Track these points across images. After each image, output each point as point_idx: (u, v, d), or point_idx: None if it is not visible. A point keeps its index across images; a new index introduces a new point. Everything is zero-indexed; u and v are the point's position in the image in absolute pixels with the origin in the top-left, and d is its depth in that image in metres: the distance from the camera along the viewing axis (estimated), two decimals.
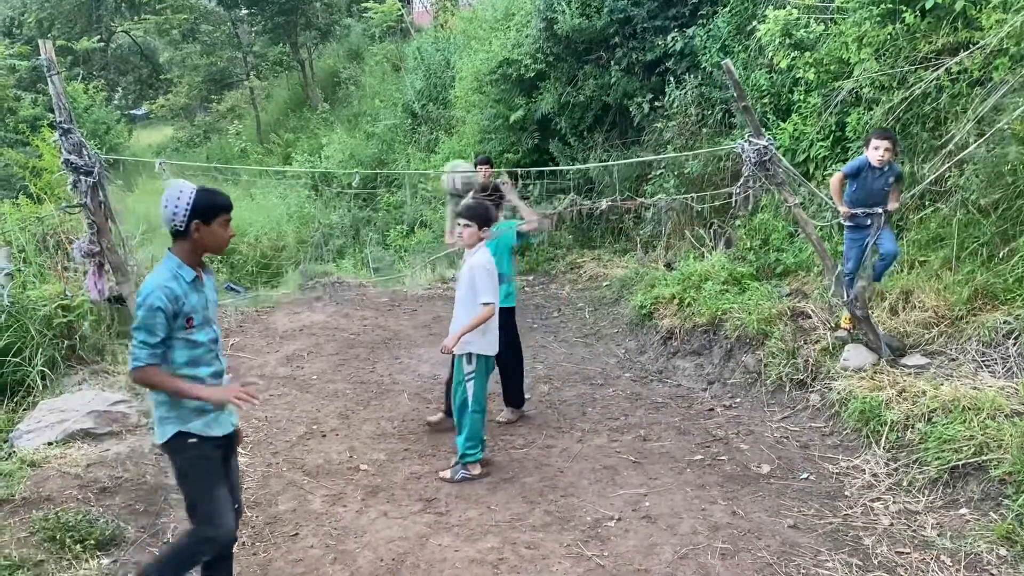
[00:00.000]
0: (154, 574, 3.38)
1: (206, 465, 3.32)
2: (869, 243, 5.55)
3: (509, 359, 5.82)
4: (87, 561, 3.94)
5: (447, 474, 5.03)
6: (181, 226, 3.19)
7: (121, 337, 6.67)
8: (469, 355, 4.94)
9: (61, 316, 6.10)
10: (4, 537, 3.99)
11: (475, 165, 8.83)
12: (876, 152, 5.38)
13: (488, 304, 4.79)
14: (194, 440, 3.27)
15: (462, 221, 5.01)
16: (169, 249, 3.28)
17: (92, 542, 4.05)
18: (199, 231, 3.21)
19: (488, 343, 5.00)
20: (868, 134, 5.66)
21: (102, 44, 27.22)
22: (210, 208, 3.22)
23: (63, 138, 4.67)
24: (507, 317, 5.70)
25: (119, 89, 30.99)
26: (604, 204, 6.16)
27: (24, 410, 5.54)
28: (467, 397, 4.96)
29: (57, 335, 6.08)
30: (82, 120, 19.27)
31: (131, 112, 30.59)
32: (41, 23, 26.12)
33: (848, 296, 5.58)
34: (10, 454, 4.93)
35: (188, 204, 3.16)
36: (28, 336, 5.89)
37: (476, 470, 5.03)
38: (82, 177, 4.72)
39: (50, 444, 4.98)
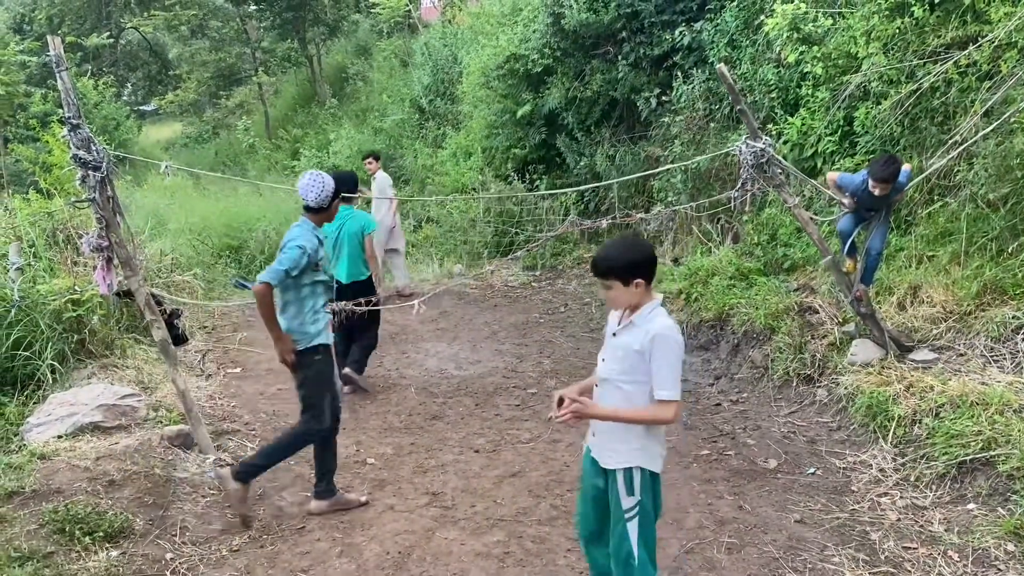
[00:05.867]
0: (260, 462, 4.49)
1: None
2: (871, 230, 5.52)
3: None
4: (96, 553, 3.98)
5: None
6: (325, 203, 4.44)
7: (130, 331, 6.71)
8: (629, 472, 3.09)
9: (70, 310, 6.13)
10: (14, 529, 4.02)
11: (363, 159, 9.46)
12: (875, 191, 5.23)
13: (674, 402, 2.99)
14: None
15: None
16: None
17: (101, 534, 4.08)
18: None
19: (657, 454, 3.15)
20: (871, 162, 5.41)
21: (112, 40, 27.33)
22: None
23: (72, 134, 4.68)
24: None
25: (129, 85, 31.14)
26: (604, 223, 6.19)
27: (34, 403, 5.58)
28: (631, 548, 3.10)
29: (66, 329, 6.11)
30: (92, 116, 19.37)
31: (140, 108, 30.74)
32: (51, 19, 26.27)
33: (850, 295, 5.57)
34: (20, 447, 4.97)
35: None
36: (38, 330, 5.92)
37: None
38: (91, 172, 4.73)
39: (60, 437, 5.02)
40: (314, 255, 4.33)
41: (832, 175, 5.65)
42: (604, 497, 3.21)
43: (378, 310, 6.56)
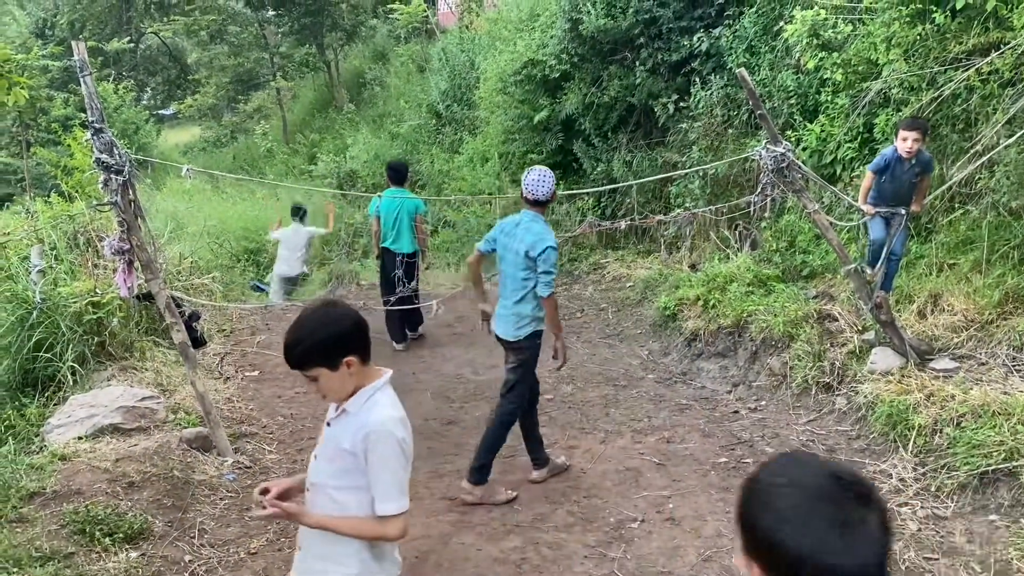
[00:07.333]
0: (485, 459, 4.79)
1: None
2: (891, 235, 5.50)
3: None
4: (116, 554, 4.01)
5: None
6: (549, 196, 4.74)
7: (149, 333, 6.76)
8: None
9: (91, 313, 6.19)
10: (36, 529, 4.06)
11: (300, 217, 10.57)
12: (904, 144, 5.25)
13: (400, 516, 2.40)
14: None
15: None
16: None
17: (121, 535, 4.11)
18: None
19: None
20: (897, 124, 5.58)
21: (132, 45, 27.64)
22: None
23: (95, 138, 4.73)
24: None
25: (148, 89, 31.43)
26: (623, 224, 6.35)
27: (55, 405, 5.64)
28: None
29: (87, 331, 6.17)
30: (112, 120, 19.56)
31: (160, 112, 30.98)
32: (73, 24, 26.59)
33: (870, 303, 5.54)
34: (41, 448, 5.02)
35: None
36: (59, 332, 5.98)
37: None
38: (113, 176, 4.78)
39: (80, 438, 5.06)
40: None
41: (868, 176, 5.62)
42: None
43: (416, 275, 7.83)
